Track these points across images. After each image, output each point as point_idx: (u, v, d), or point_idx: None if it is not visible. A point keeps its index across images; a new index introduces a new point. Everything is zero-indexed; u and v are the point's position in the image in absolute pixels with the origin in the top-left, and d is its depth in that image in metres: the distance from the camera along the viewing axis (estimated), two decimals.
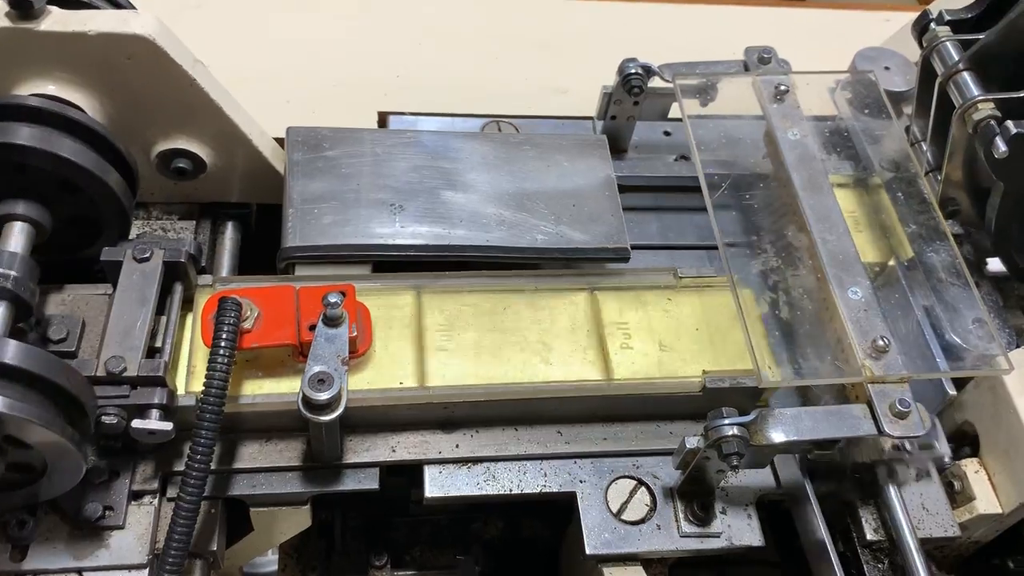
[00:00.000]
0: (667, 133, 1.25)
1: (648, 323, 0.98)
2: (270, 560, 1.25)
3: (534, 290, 0.99)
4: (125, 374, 0.81)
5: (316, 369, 0.82)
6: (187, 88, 0.96)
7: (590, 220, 1.04)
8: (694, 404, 0.93)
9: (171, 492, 0.87)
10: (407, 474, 0.95)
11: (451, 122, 1.23)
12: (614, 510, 0.91)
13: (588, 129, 1.23)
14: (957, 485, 0.98)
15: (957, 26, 1.02)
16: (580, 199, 1.06)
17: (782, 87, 1.08)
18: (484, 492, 0.91)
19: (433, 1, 1.49)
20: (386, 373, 0.91)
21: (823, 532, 0.92)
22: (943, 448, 0.98)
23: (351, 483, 0.90)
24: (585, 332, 0.96)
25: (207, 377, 0.79)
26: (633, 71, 1.12)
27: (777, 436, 0.84)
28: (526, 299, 0.98)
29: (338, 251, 0.98)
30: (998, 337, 0.94)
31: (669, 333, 0.97)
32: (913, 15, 1.10)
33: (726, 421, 0.83)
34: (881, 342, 0.88)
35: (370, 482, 0.90)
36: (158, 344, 0.87)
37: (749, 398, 0.93)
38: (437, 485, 0.91)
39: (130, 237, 0.96)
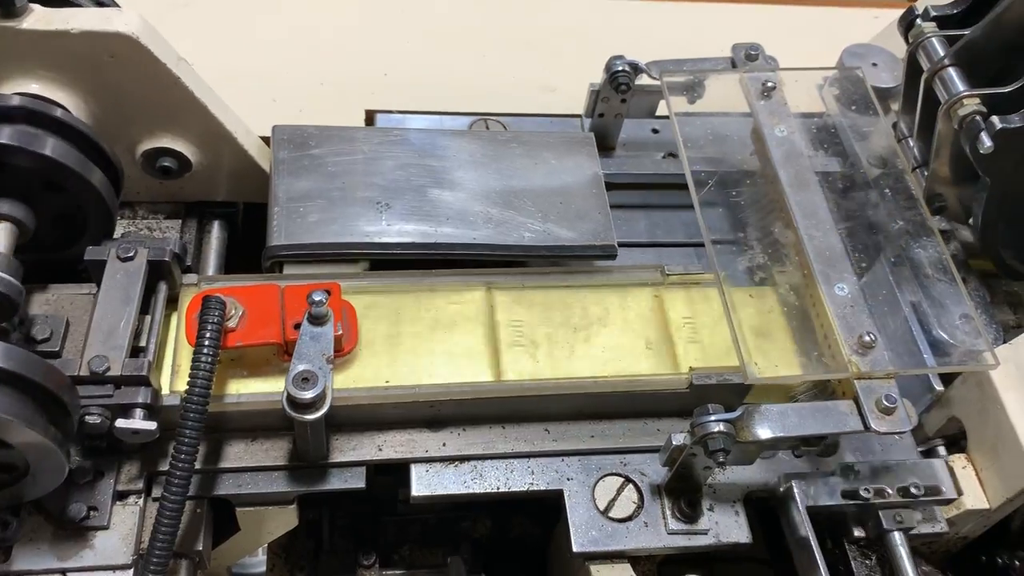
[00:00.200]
0: (655, 130, 1.25)
1: (635, 320, 0.98)
2: (259, 560, 1.25)
3: (520, 287, 0.99)
4: (109, 373, 0.81)
5: (300, 368, 0.81)
6: (171, 87, 0.96)
7: (577, 218, 1.04)
8: (681, 401, 0.93)
9: (156, 492, 0.86)
10: (394, 473, 0.94)
11: (439, 120, 1.22)
12: (601, 508, 0.91)
13: (576, 127, 1.23)
14: None
15: (943, 22, 1.02)
16: (567, 197, 1.06)
17: (769, 84, 1.08)
18: (471, 490, 0.91)
19: (420, 0, 1.48)
20: (372, 372, 0.91)
21: (807, 529, 0.92)
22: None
23: (337, 482, 0.89)
24: (572, 329, 0.96)
25: (191, 376, 0.79)
26: (620, 68, 1.12)
27: (763, 432, 0.84)
28: (512, 296, 0.98)
29: (324, 249, 0.98)
30: (984, 333, 0.94)
31: (656, 330, 0.97)
32: (901, 12, 1.10)
33: (712, 417, 0.83)
34: (867, 338, 0.88)
35: (356, 481, 0.90)
36: (142, 343, 0.87)
37: (736, 395, 0.93)
38: (424, 484, 0.91)
39: (115, 236, 0.95)
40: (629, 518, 0.90)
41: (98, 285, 0.88)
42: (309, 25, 1.41)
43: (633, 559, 0.90)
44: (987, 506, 0.96)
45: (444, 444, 0.92)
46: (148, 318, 0.88)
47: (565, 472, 0.92)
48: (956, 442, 1.01)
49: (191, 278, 0.95)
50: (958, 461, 0.99)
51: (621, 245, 1.04)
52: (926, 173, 1.07)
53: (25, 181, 0.86)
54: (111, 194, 0.91)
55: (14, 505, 0.81)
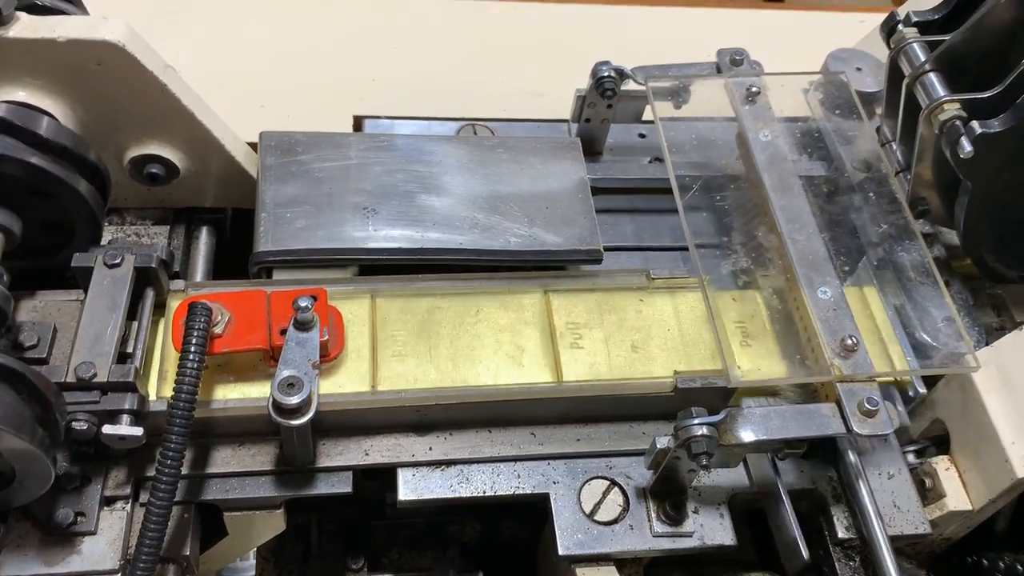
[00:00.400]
0: (642, 135, 1.26)
1: (621, 324, 0.98)
2: (248, 564, 1.25)
3: (507, 292, 0.99)
4: (95, 380, 0.81)
5: (286, 373, 0.82)
6: (158, 94, 0.96)
7: (563, 222, 1.05)
8: (666, 404, 0.94)
9: (144, 497, 0.86)
10: (382, 477, 0.95)
11: (427, 125, 1.23)
12: (587, 510, 0.91)
13: (563, 132, 1.24)
14: (928, 482, 0.99)
15: (924, 27, 1.03)
16: (553, 201, 1.07)
17: (754, 89, 1.09)
18: (458, 494, 0.91)
19: (408, 5, 1.49)
20: (359, 377, 0.91)
21: (795, 530, 0.92)
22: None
23: (324, 487, 0.90)
24: (558, 334, 0.97)
25: (176, 382, 0.80)
26: (606, 74, 1.13)
27: (746, 435, 0.84)
28: (499, 301, 0.99)
29: (311, 255, 0.99)
30: (967, 335, 0.95)
31: (641, 334, 0.98)
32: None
33: (695, 421, 0.83)
34: (850, 341, 0.89)
35: (343, 486, 0.90)
36: (129, 349, 0.87)
37: (720, 398, 0.94)
38: (411, 488, 0.91)
39: (103, 243, 0.96)
40: (615, 521, 0.91)
41: (85, 291, 0.88)
42: (297, 31, 1.41)
43: (620, 562, 0.91)
44: (970, 507, 0.96)
45: (431, 448, 0.92)
46: (135, 324, 0.89)
47: (551, 475, 0.93)
48: (940, 444, 1.02)
49: (178, 284, 0.95)
50: (941, 463, 0.99)
51: (607, 249, 1.05)
52: (909, 177, 1.08)
53: (11, 188, 0.86)
54: (98, 201, 0.91)
55: (1, 512, 0.82)
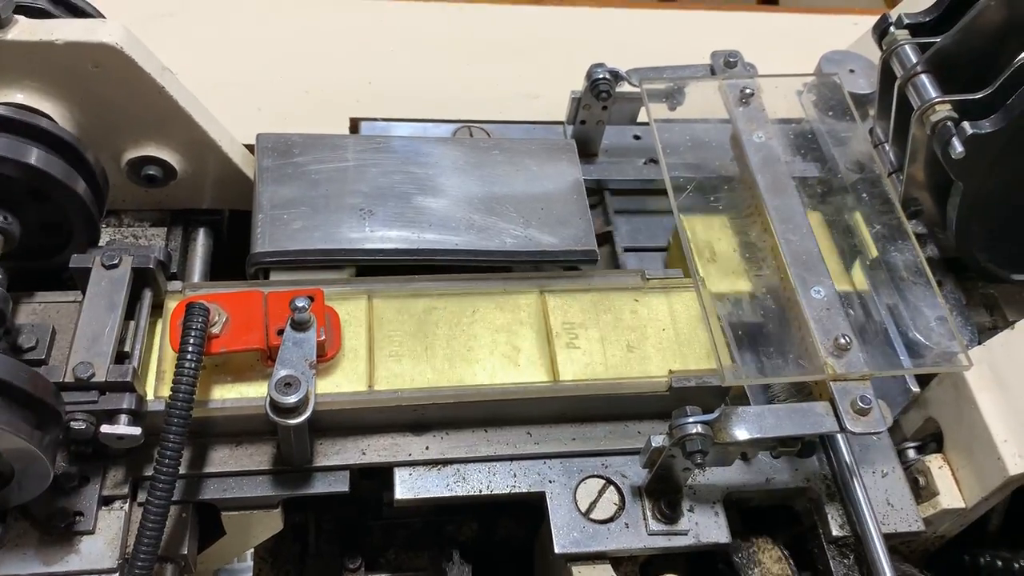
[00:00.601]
0: (637, 137, 1.27)
1: (616, 324, 0.99)
2: (246, 564, 1.25)
3: (503, 292, 1.00)
4: (93, 379, 0.81)
5: (283, 373, 0.82)
6: (156, 96, 0.97)
7: (558, 223, 1.06)
8: (661, 403, 0.94)
9: (142, 497, 0.87)
10: (379, 477, 0.95)
11: (423, 128, 1.24)
12: (583, 509, 0.92)
13: (559, 133, 1.25)
14: (921, 480, 0.99)
15: (915, 29, 1.04)
16: (548, 203, 1.07)
17: (747, 90, 1.10)
18: (454, 493, 0.92)
19: (405, 9, 1.50)
20: (355, 376, 0.92)
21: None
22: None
23: (321, 486, 0.90)
24: (554, 334, 0.97)
25: (174, 381, 0.80)
26: (601, 76, 1.14)
27: (740, 433, 0.85)
28: (495, 301, 0.99)
29: (307, 256, 0.99)
30: (959, 334, 0.96)
31: (637, 334, 0.98)
32: None
33: (690, 419, 0.84)
34: (843, 340, 0.90)
35: (340, 485, 0.90)
36: (127, 350, 0.87)
37: (715, 397, 0.94)
38: (407, 487, 0.92)
39: (100, 244, 0.96)
40: (610, 519, 0.92)
41: (83, 293, 0.89)
42: (294, 34, 1.42)
43: (616, 560, 0.91)
44: (963, 505, 0.97)
45: (427, 448, 0.93)
46: (133, 325, 0.89)
47: (547, 474, 0.94)
48: (933, 442, 1.03)
49: (176, 285, 0.95)
50: (935, 461, 1.00)
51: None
52: (902, 178, 1.09)
53: (9, 190, 0.86)
54: (96, 203, 0.92)
55: (0, 511, 0.82)
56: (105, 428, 0.81)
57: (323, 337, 0.88)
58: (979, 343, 1.03)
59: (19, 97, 0.93)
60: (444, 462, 0.93)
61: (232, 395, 0.89)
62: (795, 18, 1.62)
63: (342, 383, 0.91)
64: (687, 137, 1.10)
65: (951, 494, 0.98)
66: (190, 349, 0.81)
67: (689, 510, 0.93)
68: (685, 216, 0.99)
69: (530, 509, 1.01)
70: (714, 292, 0.97)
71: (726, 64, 1.15)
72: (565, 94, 1.20)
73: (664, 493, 0.92)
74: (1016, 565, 0.99)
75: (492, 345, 0.96)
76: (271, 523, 0.92)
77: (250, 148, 1.09)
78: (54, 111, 0.95)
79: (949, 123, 0.95)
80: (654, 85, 1.12)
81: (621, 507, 0.92)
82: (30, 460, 0.75)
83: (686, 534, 0.91)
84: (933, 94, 0.98)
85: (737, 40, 1.19)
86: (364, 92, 1.33)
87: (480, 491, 0.92)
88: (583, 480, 0.94)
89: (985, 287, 1.13)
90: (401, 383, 0.92)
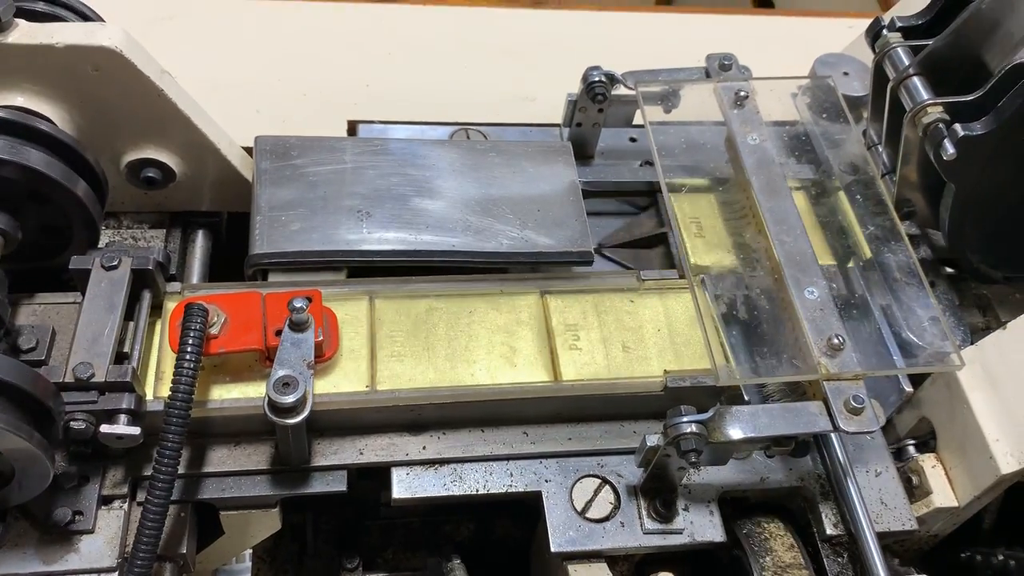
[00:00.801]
0: (633, 139, 1.27)
1: (611, 325, 1.00)
2: (244, 564, 1.26)
3: (499, 293, 1.01)
4: (93, 380, 0.82)
5: (281, 373, 0.83)
6: (155, 99, 0.97)
7: (554, 225, 1.06)
8: (656, 403, 0.95)
9: (141, 496, 0.87)
10: (377, 477, 0.96)
11: (420, 130, 1.24)
12: (579, 508, 0.93)
13: (555, 136, 1.25)
14: (915, 480, 1.00)
15: (908, 32, 1.05)
16: (545, 204, 1.08)
17: (742, 93, 1.11)
18: (451, 493, 0.92)
19: (402, 12, 1.51)
20: (353, 376, 0.93)
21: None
22: None
23: (319, 486, 0.91)
24: (549, 334, 0.98)
25: (173, 382, 0.81)
26: (597, 79, 1.15)
27: (735, 433, 0.86)
28: (491, 302, 1.00)
29: (305, 257, 1.00)
30: (951, 335, 0.97)
31: (632, 334, 0.99)
32: None
33: (684, 419, 0.85)
34: (836, 340, 0.90)
35: (338, 485, 0.91)
36: (126, 350, 0.88)
37: (710, 396, 0.95)
38: (404, 486, 0.92)
39: (100, 246, 0.97)
40: (606, 518, 0.92)
41: (83, 294, 0.89)
42: (292, 37, 1.42)
43: (612, 559, 0.92)
44: (956, 504, 0.98)
45: (424, 447, 0.93)
46: (132, 325, 0.90)
47: (543, 474, 0.94)
48: (927, 442, 1.04)
49: (175, 286, 0.96)
50: (928, 460, 1.01)
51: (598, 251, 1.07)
52: (895, 179, 1.10)
53: (10, 192, 0.87)
54: (95, 204, 0.92)
55: (0, 510, 0.83)
56: (105, 428, 0.81)
57: (321, 338, 0.89)
58: (972, 343, 1.04)
59: (19, 100, 0.94)
60: (441, 462, 0.93)
61: (231, 395, 0.89)
62: (789, 21, 1.63)
63: (340, 383, 0.92)
64: (682, 139, 1.11)
65: (944, 493, 0.99)
66: (189, 349, 0.82)
67: (684, 509, 0.93)
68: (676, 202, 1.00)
69: (527, 508, 1.01)
70: (712, 294, 0.98)
71: (721, 67, 1.16)
72: (561, 97, 1.21)
73: (659, 492, 0.93)
74: (1013, 564, 1.00)
75: (490, 346, 0.97)
76: (269, 523, 0.93)
77: (248, 150, 1.10)
78: (54, 114, 0.96)
79: (941, 125, 0.96)
80: (649, 88, 1.13)
81: (617, 506, 0.93)
82: (30, 460, 0.76)
83: (681, 533, 0.92)
84: (925, 96, 0.98)
85: (732, 43, 1.20)
86: (362, 95, 1.34)
87: (477, 491, 0.93)
88: (579, 479, 0.94)
89: (978, 288, 1.14)
90: (402, 383, 0.93)
